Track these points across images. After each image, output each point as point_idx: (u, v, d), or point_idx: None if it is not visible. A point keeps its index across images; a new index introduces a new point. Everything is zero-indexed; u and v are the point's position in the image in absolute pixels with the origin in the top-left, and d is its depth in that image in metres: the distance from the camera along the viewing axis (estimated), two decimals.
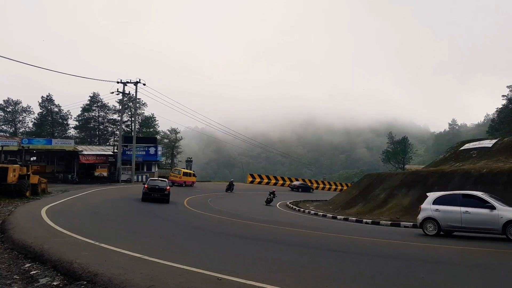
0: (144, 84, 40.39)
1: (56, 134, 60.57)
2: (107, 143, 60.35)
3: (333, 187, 62.65)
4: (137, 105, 53.94)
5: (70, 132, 64.20)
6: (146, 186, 23.01)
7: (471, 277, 6.80)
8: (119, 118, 54.07)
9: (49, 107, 61.65)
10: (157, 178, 27.06)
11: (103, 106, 62.52)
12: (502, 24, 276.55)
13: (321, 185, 62.44)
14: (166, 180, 25.03)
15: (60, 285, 5.97)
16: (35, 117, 61.41)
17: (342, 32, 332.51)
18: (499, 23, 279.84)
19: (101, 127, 63.96)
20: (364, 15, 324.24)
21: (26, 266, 7.07)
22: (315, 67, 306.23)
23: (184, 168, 45.32)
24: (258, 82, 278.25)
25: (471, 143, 29.89)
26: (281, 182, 58.43)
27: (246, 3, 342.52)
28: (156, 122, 63.87)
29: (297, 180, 59.23)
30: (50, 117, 62.02)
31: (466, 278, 6.74)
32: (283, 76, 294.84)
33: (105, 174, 40.50)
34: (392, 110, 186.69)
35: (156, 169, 46.99)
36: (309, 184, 55.07)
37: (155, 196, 22.39)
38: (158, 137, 59.93)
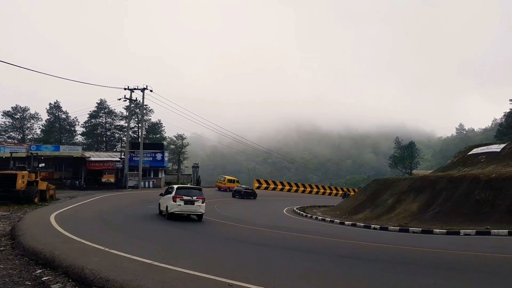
0: (151, 91, 40.68)
1: (63, 140, 61.02)
2: (114, 149, 60.68)
3: (340, 192, 62.39)
4: (144, 111, 54.26)
5: (77, 139, 64.66)
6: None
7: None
8: (126, 124, 54.35)
9: (56, 114, 62.19)
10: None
11: (110, 113, 62.94)
12: None
13: (328, 191, 62.18)
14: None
15: None
16: (43, 124, 61.95)
17: (349, 36, 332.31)
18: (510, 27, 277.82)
19: (108, 133, 64.33)
20: (372, 19, 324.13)
21: (37, 272, 7.13)
22: (323, 72, 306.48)
23: (228, 176, 49.87)
24: (264, 87, 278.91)
25: (479, 148, 29.69)
26: (287, 187, 58.33)
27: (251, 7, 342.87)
28: (163, 128, 64.18)
29: (297, 186, 59.03)
30: (58, 124, 62.54)
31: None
32: (291, 80, 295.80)
33: (112, 180, 40.69)
34: (399, 115, 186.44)
35: (163, 175, 47.14)
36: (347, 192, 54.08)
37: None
38: (164, 143, 60.13)
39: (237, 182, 47.89)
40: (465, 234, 15.28)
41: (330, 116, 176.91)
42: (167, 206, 16.90)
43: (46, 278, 6.72)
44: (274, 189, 56.90)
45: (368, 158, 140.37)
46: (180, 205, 16.39)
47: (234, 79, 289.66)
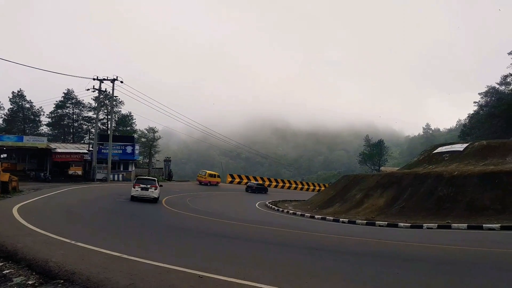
0: (121, 82, 39.74)
1: (27, 131, 58.78)
2: (82, 141, 59.04)
3: (311, 187, 63.31)
4: (114, 103, 53.00)
5: (42, 129, 62.42)
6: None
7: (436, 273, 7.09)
8: (94, 115, 53.00)
9: (20, 103, 59.81)
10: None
11: (78, 103, 61.15)
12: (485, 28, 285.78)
13: (300, 186, 62.97)
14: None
15: (36, 284, 5.87)
16: (5, 113, 59.45)
17: (315, 37, 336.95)
18: (483, 27, 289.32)
19: (76, 124, 62.50)
20: (337, 22, 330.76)
21: None
22: (294, 70, 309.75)
23: (209, 170, 51.42)
24: (240, 84, 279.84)
25: (444, 147, 30.86)
26: (260, 182, 58.55)
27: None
28: (133, 121, 62.91)
29: (270, 181, 59.53)
30: (21, 114, 60.19)
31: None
32: (266, 78, 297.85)
33: (79, 172, 39.63)
34: (369, 115, 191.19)
35: (133, 168, 46.32)
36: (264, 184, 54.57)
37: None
38: (135, 135, 59.02)
39: (218, 176, 49.96)
40: (428, 228, 15.92)
41: (301, 114, 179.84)
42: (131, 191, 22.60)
43: (7, 271, 6.53)
44: (247, 183, 57.00)
45: (339, 155, 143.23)
46: (137, 190, 22.15)
47: (204, 77, 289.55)
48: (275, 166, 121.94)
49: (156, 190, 22.54)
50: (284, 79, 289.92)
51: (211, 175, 48.69)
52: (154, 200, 22.35)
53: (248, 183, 47.93)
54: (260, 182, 54.83)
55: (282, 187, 60.46)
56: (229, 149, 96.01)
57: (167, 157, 53.80)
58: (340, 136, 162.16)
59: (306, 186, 63.35)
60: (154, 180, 23.53)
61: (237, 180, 57.03)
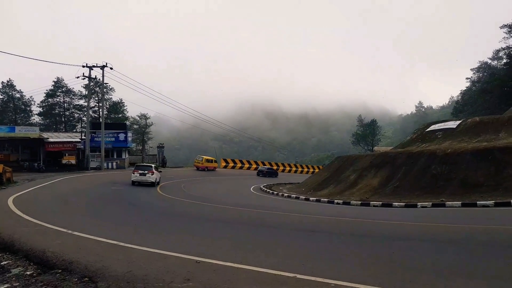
0: (111, 68, 39.21)
1: (19, 121, 58.08)
2: (74, 130, 58.53)
3: (305, 170, 63.67)
4: (105, 90, 52.37)
5: (34, 119, 61.70)
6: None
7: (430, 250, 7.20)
8: (85, 103, 52.36)
9: (10, 93, 58.86)
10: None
11: (68, 92, 60.31)
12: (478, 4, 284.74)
13: (294, 168, 63.30)
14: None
15: (34, 274, 5.87)
16: None
17: (303, 17, 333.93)
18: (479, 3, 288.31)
19: (67, 113, 61.80)
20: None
21: None
22: (286, 49, 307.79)
23: (206, 156, 51.66)
24: (231, 68, 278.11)
25: (437, 125, 31.03)
26: (254, 166, 58.79)
27: None
28: (125, 108, 62.36)
29: (264, 164, 60.02)
30: (12, 104, 59.31)
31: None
32: (257, 60, 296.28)
33: (73, 161, 39.39)
34: (361, 94, 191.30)
35: (127, 156, 46.15)
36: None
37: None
38: (127, 122, 58.55)
39: (215, 161, 50.50)
40: (422, 207, 16.12)
41: (291, 97, 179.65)
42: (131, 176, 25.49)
43: (5, 262, 6.51)
44: (241, 168, 57.24)
45: (332, 137, 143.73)
46: (136, 176, 25.08)
47: (192, 60, 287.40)
48: (269, 150, 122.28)
49: (153, 175, 25.20)
50: (271, 61, 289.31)
51: (208, 161, 48.97)
52: (152, 184, 24.96)
53: (259, 168, 51.39)
54: (268, 166, 56.52)
55: (276, 170, 60.71)
56: (222, 134, 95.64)
57: (160, 144, 53.60)
58: (332, 117, 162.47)
59: (300, 169, 63.67)
60: (151, 166, 26.25)
61: (231, 164, 57.20)
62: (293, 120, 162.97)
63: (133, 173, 25.24)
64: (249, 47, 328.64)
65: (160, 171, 28.97)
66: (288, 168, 62.72)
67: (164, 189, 23.93)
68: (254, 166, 58.62)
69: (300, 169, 63.63)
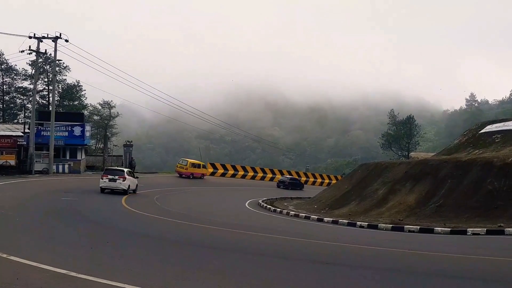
0: (66, 41, 38.97)
1: None
2: (15, 121, 58.33)
3: (319, 180, 63.66)
4: (58, 68, 52.24)
5: None
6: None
7: None
8: (31, 86, 52.20)
9: None
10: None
11: (9, 70, 60.07)
12: None
13: (303, 178, 63.29)
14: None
15: None
16: None
17: None
18: None
19: (6, 98, 61.60)
20: None
21: None
22: (298, 27, 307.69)
23: (191, 159, 52.09)
24: (221, 46, 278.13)
25: (494, 125, 30.99)
26: (251, 174, 58.72)
27: None
28: (83, 93, 62.13)
29: (282, 174, 59.88)
30: None
31: None
32: (256, 36, 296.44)
33: (12, 162, 39.19)
34: (395, 82, 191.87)
35: (83, 156, 46.02)
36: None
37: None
38: (85, 112, 58.42)
39: (203, 167, 51.22)
40: (474, 234, 16.05)
41: (300, 86, 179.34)
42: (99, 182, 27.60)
43: None
44: (233, 175, 57.10)
45: (355, 136, 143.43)
46: (105, 182, 27.06)
47: (170, 36, 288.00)
48: (271, 152, 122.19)
49: (125, 182, 27.18)
50: (274, 37, 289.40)
51: (194, 165, 49.42)
52: (124, 192, 27.10)
53: (280, 178, 53.68)
54: (295, 176, 57.97)
55: (301, 181, 60.82)
56: (209, 131, 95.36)
57: (128, 141, 53.36)
58: (354, 111, 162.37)
59: (311, 179, 63.68)
60: (123, 171, 28.36)
61: (220, 171, 57.14)
62: (303, 114, 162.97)
63: (102, 178, 27.59)
64: (246, 18, 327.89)
65: (137, 177, 30.96)
66: (296, 178, 62.77)
67: (131, 202, 23.83)
68: (250, 173, 58.63)
69: (311, 179, 63.66)
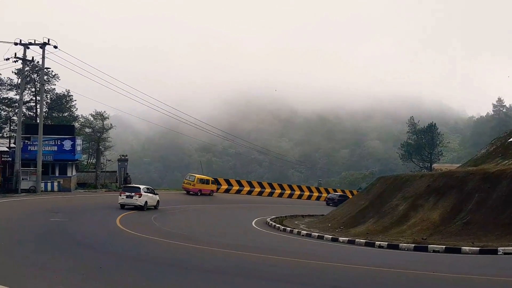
0: (55, 47, 39.26)
1: None
2: (0, 134, 58.72)
3: (324, 195, 63.52)
4: (46, 77, 52.59)
5: None
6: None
7: None
8: (17, 96, 52.56)
9: None
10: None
11: None
12: None
13: (315, 194, 63.09)
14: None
15: None
16: None
17: None
18: None
19: None
20: None
21: None
22: (304, 31, 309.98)
23: (199, 174, 53.33)
24: (223, 51, 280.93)
25: None
26: (258, 189, 58.73)
27: None
28: (73, 103, 62.55)
29: (291, 189, 59.81)
30: None
31: None
32: (259, 40, 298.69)
33: None
34: (415, 87, 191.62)
35: (74, 173, 46.11)
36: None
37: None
38: (76, 125, 58.72)
39: (212, 182, 52.29)
40: (505, 253, 15.83)
41: (308, 93, 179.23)
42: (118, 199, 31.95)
43: None
44: (238, 191, 57.18)
45: (372, 147, 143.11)
46: (123, 198, 31.18)
47: (168, 42, 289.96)
48: (279, 165, 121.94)
49: (141, 198, 31.15)
50: (279, 41, 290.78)
51: (202, 181, 50.22)
52: (140, 208, 30.97)
53: (329, 195, 57.30)
54: (341, 193, 59.48)
55: (290, 196, 60.64)
56: (211, 142, 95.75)
57: (123, 156, 53.59)
58: (369, 119, 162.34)
59: (324, 194, 63.45)
60: (139, 188, 32.42)
61: (224, 187, 57.15)
62: (313, 123, 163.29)
63: (120, 195, 31.91)
64: (248, 22, 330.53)
65: (157, 193, 34.58)
66: (307, 193, 62.56)
67: (126, 222, 23.81)
68: (257, 189, 58.66)
69: (324, 194, 63.42)
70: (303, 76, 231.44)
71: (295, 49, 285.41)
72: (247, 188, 58.65)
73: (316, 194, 63.23)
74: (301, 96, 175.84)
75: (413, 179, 28.15)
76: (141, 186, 33.55)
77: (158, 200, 33.81)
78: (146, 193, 32.09)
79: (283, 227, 27.87)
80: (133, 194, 31.16)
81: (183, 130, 70.93)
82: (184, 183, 50.68)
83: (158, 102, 52.20)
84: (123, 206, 31.19)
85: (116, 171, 53.71)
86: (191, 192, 48.66)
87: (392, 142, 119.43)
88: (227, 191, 56.53)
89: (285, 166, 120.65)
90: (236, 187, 58.15)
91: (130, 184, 49.52)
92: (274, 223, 29.60)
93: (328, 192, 64.78)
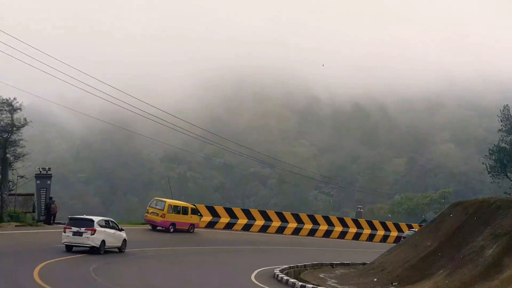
0: None
1: None
2: None
3: (380, 233, 63.52)
4: None
5: None
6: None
7: None
8: None
9: None
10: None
11: None
12: None
13: (353, 230, 63.05)
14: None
15: None
16: None
17: None
18: None
19: None
20: None
21: None
22: None
23: (172, 200, 53.40)
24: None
25: None
26: (260, 223, 58.62)
27: None
28: None
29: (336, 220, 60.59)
30: None
31: None
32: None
33: None
34: (504, 62, 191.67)
35: None
36: None
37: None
38: None
39: (194, 212, 52.04)
40: None
41: (340, 66, 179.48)
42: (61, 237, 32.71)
43: None
44: (229, 226, 57.17)
45: (442, 154, 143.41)
46: (68, 236, 31.89)
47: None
48: (294, 184, 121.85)
49: (94, 235, 31.88)
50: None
51: (176, 210, 49.96)
52: (95, 250, 32.14)
53: (406, 233, 57.44)
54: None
55: (312, 232, 60.71)
56: (186, 148, 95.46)
57: (43, 169, 53.62)
58: (437, 111, 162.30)
59: (367, 231, 63.56)
60: (91, 221, 32.97)
61: (208, 218, 57.16)
62: (346, 117, 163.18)
63: (64, 232, 32.43)
64: None
65: (122, 229, 35.67)
66: (339, 229, 62.58)
67: (50, 274, 23.78)
68: (260, 222, 58.59)
69: (367, 231, 63.55)
70: (327, 44, 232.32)
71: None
72: (243, 221, 58.55)
73: (353, 230, 63.22)
74: (326, 75, 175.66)
75: (510, 206, 28.12)
76: (95, 218, 34.17)
77: (124, 239, 34.92)
78: (103, 228, 32.78)
79: (301, 284, 27.83)
80: (82, 230, 31.60)
81: (140, 128, 71.03)
82: (147, 213, 49.87)
83: (100, 85, 52.06)
84: (69, 248, 32.07)
85: (33, 194, 53.77)
86: (159, 227, 48.56)
87: (474, 147, 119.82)
88: (211, 225, 56.51)
89: (304, 185, 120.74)
90: (225, 219, 58.09)
91: (54, 213, 49.73)
92: (286, 278, 29.49)
93: (372, 226, 64.74)
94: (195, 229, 51.06)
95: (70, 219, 34.55)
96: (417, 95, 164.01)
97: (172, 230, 48.19)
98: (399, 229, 63.53)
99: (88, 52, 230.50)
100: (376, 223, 67.31)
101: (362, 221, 66.38)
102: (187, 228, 49.86)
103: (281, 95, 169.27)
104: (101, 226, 32.57)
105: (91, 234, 31.45)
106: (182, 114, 73.68)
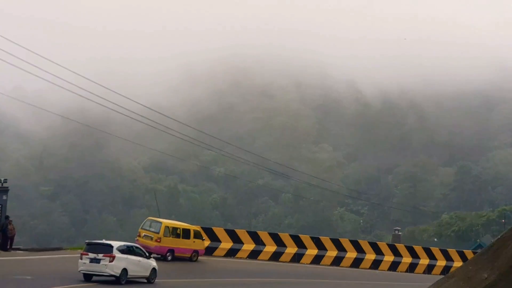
0: None
1: None
2: None
3: (424, 261, 63.61)
4: None
5: None
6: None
7: None
8: None
9: None
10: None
11: None
12: None
13: (389, 258, 63.14)
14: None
15: None
16: None
17: None
18: None
19: None
20: None
21: None
22: None
23: (170, 220, 55.82)
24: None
25: None
26: (271, 249, 58.75)
27: None
28: None
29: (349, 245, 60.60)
30: None
31: None
32: None
33: None
34: None
35: None
36: None
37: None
38: None
39: (197, 235, 51.89)
40: None
41: (370, 52, 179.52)
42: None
43: None
44: (232, 253, 57.24)
45: (502, 163, 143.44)
46: (85, 263, 33.56)
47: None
48: (314, 199, 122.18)
49: (113, 263, 33.36)
50: None
51: (175, 232, 50.23)
52: (115, 280, 34.02)
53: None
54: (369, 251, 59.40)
55: (338, 261, 60.78)
56: (176, 154, 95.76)
57: None
58: (494, 108, 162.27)
59: (407, 259, 63.67)
60: (110, 247, 34.56)
61: (206, 243, 57.36)
62: (379, 115, 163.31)
63: (81, 258, 34.06)
64: None
65: (150, 257, 37.65)
66: (371, 257, 62.67)
67: None
68: (271, 248, 58.67)
69: (407, 259, 63.66)
70: (349, 23, 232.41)
71: None
72: (249, 247, 58.63)
73: (389, 258, 63.36)
74: (350, 65, 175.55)
75: None
76: (115, 243, 35.69)
77: (154, 268, 36.48)
78: (124, 255, 34.16)
79: None
80: (100, 256, 33.02)
81: (118, 129, 71.28)
82: (139, 236, 49.47)
83: (66, 73, 51.93)
84: (88, 278, 34.01)
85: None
86: (154, 254, 45.20)
87: None
88: (209, 251, 56.63)
89: (326, 201, 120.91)
90: (227, 244, 58.22)
91: (11, 236, 49.85)
92: None
93: (413, 253, 64.83)
94: (198, 256, 50.71)
95: (88, 244, 36.25)
96: (467, 88, 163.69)
97: (170, 257, 48.03)
98: (447, 257, 63.56)
99: (55, 42, 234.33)
100: (419, 249, 67.45)
101: (401, 247, 66.53)
102: (189, 255, 49.86)
103: (295, 86, 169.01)
104: (122, 252, 33.73)
105: (110, 261, 32.64)
106: (170, 111, 74.14)
